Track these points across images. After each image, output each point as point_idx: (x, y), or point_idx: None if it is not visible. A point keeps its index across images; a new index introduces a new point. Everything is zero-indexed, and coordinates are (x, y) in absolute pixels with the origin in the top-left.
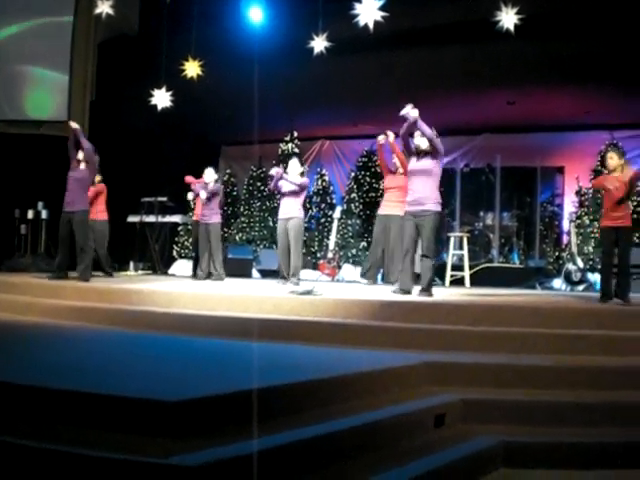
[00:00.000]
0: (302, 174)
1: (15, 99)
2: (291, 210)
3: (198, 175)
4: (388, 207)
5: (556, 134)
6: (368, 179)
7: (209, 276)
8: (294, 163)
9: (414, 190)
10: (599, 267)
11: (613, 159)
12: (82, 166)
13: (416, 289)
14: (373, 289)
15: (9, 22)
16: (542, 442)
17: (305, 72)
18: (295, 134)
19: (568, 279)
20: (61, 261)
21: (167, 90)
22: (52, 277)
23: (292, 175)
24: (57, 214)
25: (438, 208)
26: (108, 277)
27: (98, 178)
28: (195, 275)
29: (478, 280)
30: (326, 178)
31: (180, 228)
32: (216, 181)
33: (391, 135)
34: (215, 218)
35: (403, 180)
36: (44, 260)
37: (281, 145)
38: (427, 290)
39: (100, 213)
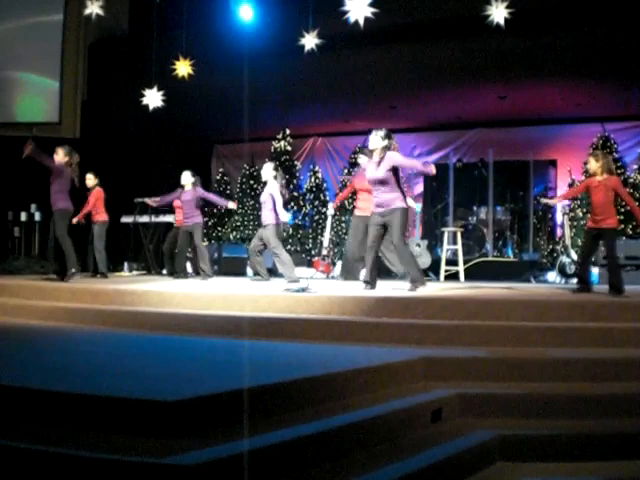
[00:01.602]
0: (275, 177)
1: (5, 101)
2: (265, 217)
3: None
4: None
5: (548, 127)
6: None
7: (187, 275)
8: (267, 168)
9: (378, 197)
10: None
11: (591, 163)
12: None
13: (407, 285)
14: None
15: None
16: (539, 435)
17: (296, 69)
18: (287, 131)
19: (562, 272)
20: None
21: (158, 90)
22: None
23: (266, 182)
24: (50, 216)
25: (404, 204)
26: (103, 278)
27: (95, 182)
28: (174, 274)
29: (472, 274)
30: (319, 175)
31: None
32: (193, 184)
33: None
34: (196, 219)
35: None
36: (38, 262)
37: (274, 143)
38: (416, 282)
39: (99, 215)
